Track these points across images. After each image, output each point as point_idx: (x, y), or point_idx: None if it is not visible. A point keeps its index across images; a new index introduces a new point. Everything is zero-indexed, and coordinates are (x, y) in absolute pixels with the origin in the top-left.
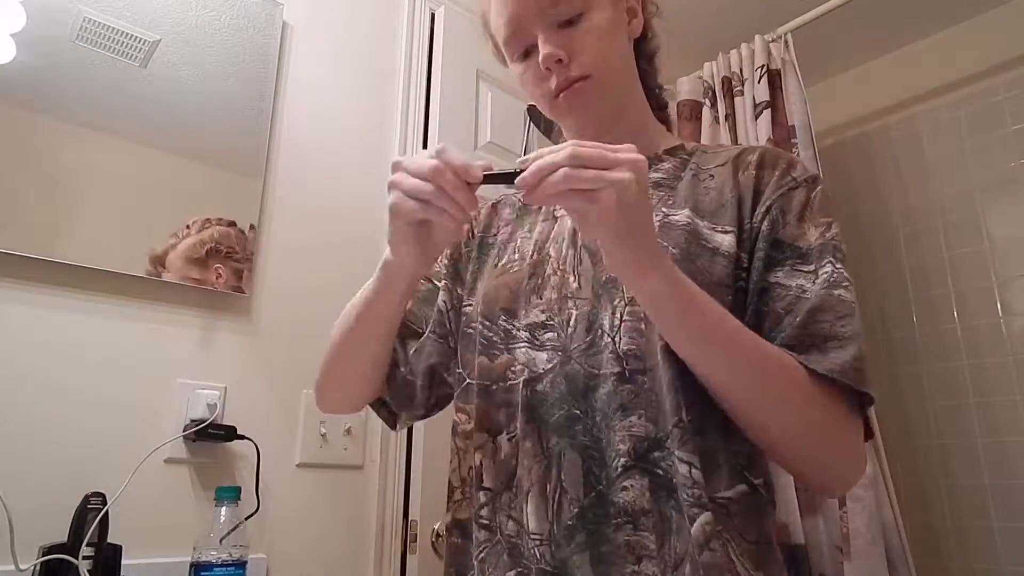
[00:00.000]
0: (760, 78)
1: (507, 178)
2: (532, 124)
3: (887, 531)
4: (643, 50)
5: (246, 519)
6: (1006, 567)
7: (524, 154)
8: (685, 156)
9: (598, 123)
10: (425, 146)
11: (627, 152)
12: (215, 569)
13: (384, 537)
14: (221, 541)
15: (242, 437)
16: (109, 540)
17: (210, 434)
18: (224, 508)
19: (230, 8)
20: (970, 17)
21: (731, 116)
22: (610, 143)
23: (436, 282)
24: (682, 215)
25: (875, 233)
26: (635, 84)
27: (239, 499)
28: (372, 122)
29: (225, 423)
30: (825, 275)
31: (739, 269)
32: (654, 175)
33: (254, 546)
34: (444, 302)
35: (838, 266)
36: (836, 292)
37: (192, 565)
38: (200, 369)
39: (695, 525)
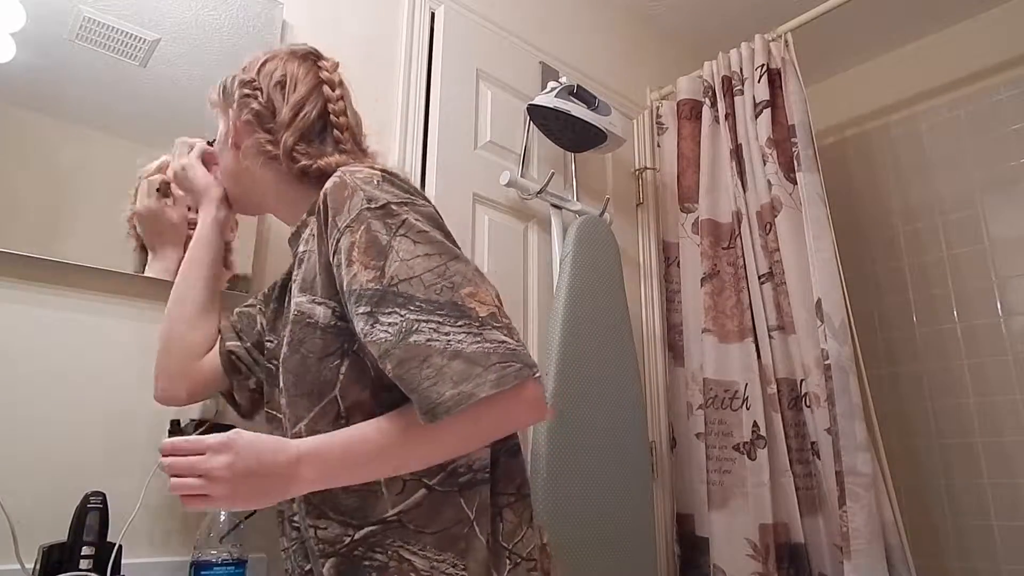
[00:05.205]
0: (760, 77)
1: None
2: (532, 124)
3: (887, 531)
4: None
5: (246, 518)
6: (1006, 567)
7: (524, 154)
8: (305, 220)
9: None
10: (425, 145)
11: (215, 451)
12: (215, 568)
13: None
14: (221, 540)
15: None
16: (109, 540)
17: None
18: None
19: (230, 8)
20: (970, 17)
21: (731, 115)
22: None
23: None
24: (296, 299)
25: (875, 233)
26: (247, 179)
27: None
28: (372, 121)
29: (225, 423)
30: (396, 325)
31: (342, 337)
32: (301, 248)
33: (254, 546)
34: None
35: (403, 312)
36: (411, 339)
37: (192, 564)
38: None
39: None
